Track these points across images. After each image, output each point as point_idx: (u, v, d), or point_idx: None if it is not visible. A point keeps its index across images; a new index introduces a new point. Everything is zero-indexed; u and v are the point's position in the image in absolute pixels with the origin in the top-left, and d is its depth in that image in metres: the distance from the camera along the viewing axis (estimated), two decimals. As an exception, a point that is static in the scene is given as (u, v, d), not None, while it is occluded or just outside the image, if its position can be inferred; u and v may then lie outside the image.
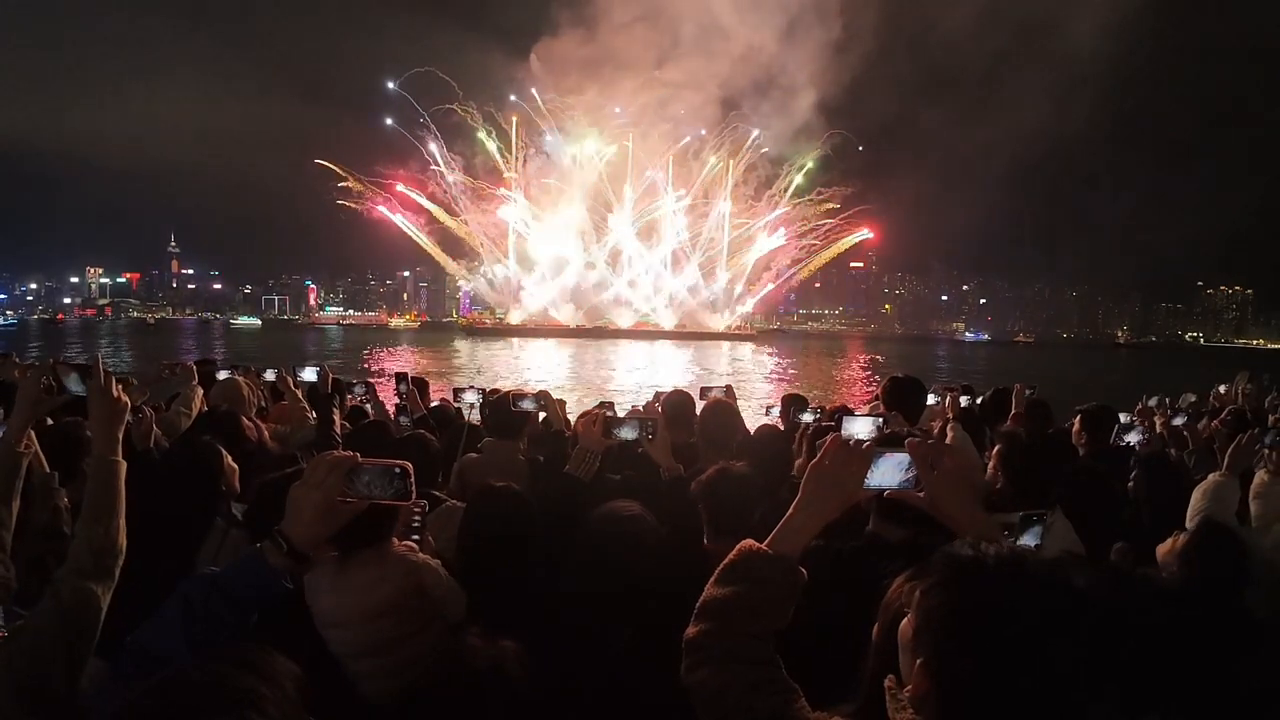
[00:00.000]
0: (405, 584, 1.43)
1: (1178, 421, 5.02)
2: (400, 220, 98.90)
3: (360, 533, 1.40)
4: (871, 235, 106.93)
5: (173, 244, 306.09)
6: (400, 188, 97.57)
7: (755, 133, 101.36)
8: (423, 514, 2.20)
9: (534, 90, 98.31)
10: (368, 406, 5.68)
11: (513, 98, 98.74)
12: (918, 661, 1.01)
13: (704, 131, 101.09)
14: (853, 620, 1.40)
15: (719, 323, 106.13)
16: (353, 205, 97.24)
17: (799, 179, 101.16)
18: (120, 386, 1.84)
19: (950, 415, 4.17)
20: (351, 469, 1.40)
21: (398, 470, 1.42)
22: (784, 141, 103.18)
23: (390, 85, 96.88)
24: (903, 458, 1.44)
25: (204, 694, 0.99)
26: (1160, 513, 3.07)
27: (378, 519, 1.43)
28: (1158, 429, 4.60)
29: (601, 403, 4.61)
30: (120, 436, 1.78)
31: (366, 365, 40.32)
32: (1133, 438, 3.84)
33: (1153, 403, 5.19)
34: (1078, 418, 4.29)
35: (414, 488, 1.43)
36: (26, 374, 1.99)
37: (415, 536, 2.05)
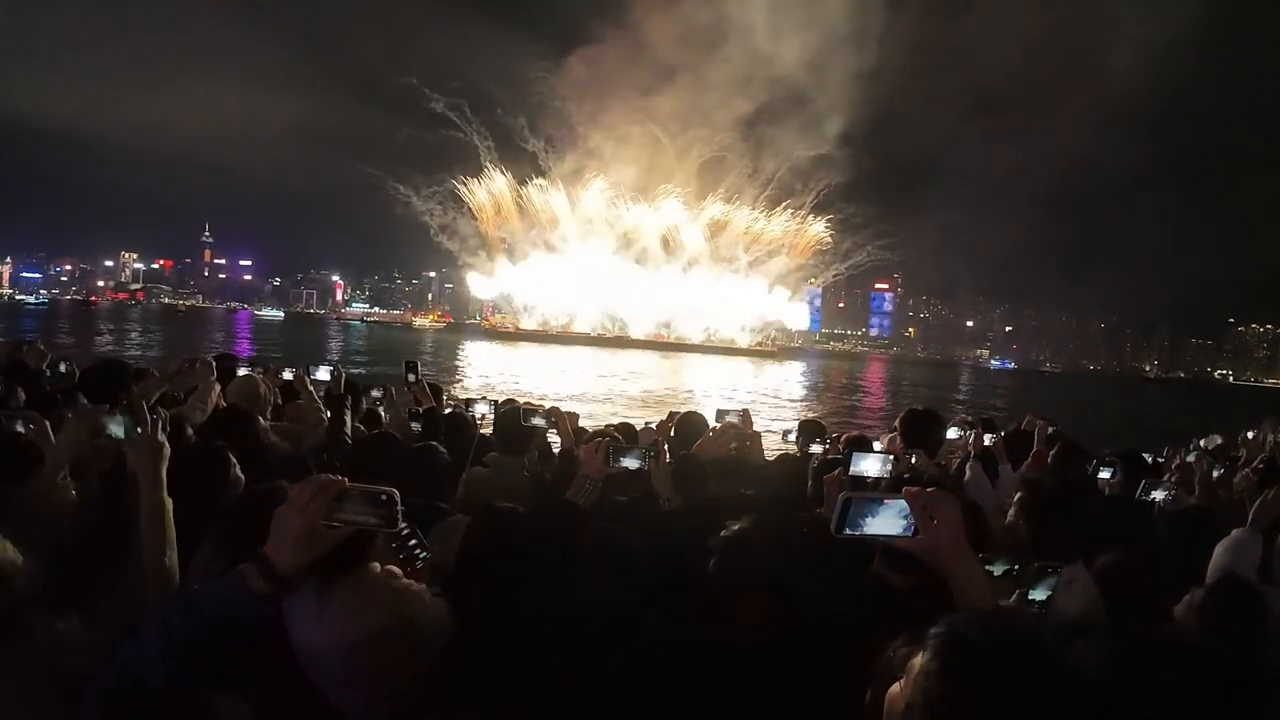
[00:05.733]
0: (386, 614, 1.39)
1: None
2: (434, 221, 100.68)
3: (338, 558, 1.37)
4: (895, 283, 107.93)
5: (207, 234, 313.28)
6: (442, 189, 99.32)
7: (781, 148, 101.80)
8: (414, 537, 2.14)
9: (572, 95, 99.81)
10: (380, 408, 5.66)
11: (552, 101, 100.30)
12: None
13: (727, 156, 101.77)
14: (853, 662, 1.36)
15: (744, 338, 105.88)
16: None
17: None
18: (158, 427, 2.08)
19: (972, 452, 4.06)
20: (338, 493, 1.36)
21: (383, 497, 1.37)
22: (809, 159, 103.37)
23: (434, 97, 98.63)
24: (901, 504, 1.40)
25: None
26: (1183, 569, 2.95)
27: (355, 542, 1.40)
28: (1192, 482, 4.40)
29: (614, 424, 4.58)
30: (164, 472, 2.01)
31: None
32: (1159, 494, 3.69)
33: (1191, 459, 4.96)
34: (1108, 465, 4.18)
35: (400, 514, 1.38)
36: (79, 418, 2.48)
37: (420, 552, 1.99)
